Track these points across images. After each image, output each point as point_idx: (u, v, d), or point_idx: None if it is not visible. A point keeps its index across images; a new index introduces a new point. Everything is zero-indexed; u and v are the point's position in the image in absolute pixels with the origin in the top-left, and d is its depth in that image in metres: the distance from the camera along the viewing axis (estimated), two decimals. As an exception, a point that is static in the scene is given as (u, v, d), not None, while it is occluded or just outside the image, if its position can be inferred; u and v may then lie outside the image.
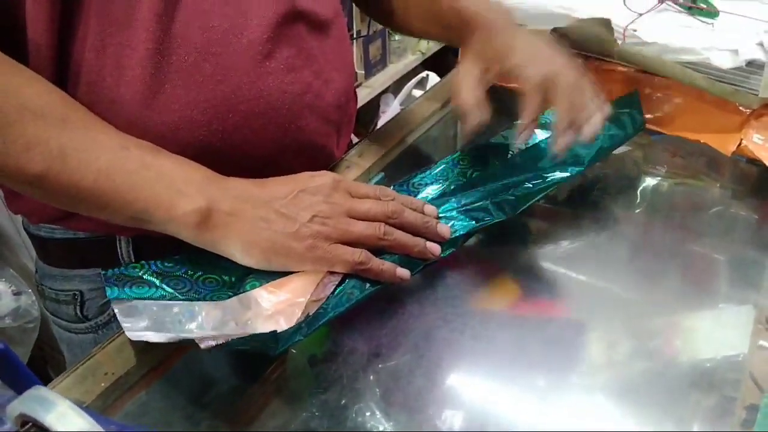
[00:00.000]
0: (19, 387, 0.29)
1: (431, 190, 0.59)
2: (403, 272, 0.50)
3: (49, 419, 0.26)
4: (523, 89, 0.54)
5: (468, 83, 0.54)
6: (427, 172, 0.60)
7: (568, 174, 0.59)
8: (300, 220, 0.47)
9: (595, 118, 0.54)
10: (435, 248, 0.52)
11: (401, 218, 0.50)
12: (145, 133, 0.48)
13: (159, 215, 0.45)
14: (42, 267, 0.60)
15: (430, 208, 0.54)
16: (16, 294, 1.06)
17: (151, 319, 0.44)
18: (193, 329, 0.44)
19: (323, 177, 0.50)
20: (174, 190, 0.45)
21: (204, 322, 0.45)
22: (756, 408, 0.41)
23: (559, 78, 0.53)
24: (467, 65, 0.56)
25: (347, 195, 0.50)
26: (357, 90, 0.72)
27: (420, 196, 0.59)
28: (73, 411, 0.26)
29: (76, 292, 0.58)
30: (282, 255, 0.46)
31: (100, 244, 0.56)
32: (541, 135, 0.63)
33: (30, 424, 0.27)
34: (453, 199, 0.56)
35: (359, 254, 0.47)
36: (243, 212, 0.46)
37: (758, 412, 0.41)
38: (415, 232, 0.51)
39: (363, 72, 1.67)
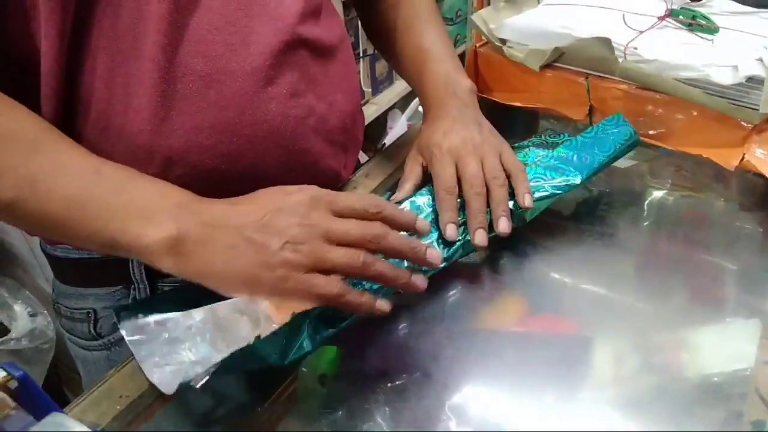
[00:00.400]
0: (38, 412, 0.30)
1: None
2: (383, 304, 0.46)
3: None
4: (440, 189, 0.57)
5: (413, 159, 0.63)
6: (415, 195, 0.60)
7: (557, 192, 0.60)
8: (271, 248, 0.43)
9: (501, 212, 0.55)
10: (420, 282, 0.48)
11: (384, 243, 0.46)
12: (153, 157, 0.50)
13: (128, 244, 0.43)
14: (58, 286, 0.62)
15: (422, 224, 0.50)
16: (32, 315, 1.08)
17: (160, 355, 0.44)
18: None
19: (301, 193, 0.46)
20: (144, 217, 0.43)
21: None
22: (762, 423, 0.42)
23: (465, 172, 0.56)
24: (413, 150, 0.64)
25: (327, 213, 0.45)
26: (364, 107, 0.74)
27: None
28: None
29: (90, 311, 0.60)
30: (254, 286, 0.43)
31: (113, 264, 0.57)
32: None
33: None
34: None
35: (335, 285, 0.43)
36: (213, 240, 0.43)
37: (764, 427, 0.41)
38: (400, 257, 0.48)
39: (370, 89, 1.68)
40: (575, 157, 0.61)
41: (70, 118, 0.49)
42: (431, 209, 0.58)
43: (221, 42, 0.51)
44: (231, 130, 0.52)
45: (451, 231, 0.54)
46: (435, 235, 0.55)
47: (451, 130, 0.59)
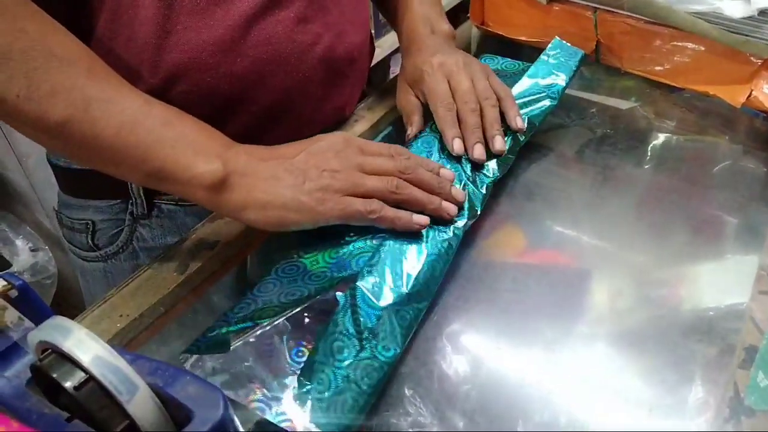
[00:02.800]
0: (38, 320, 0.30)
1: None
2: (421, 218, 0.47)
3: (67, 345, 0.27)
4: (439, 107, 0.57)
5: (404, 97, 0.63)
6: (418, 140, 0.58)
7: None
8: (309, 175, 0.46)
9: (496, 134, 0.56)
10: (451, 208, 0.49)
11: (415, 174, 0.49)
12: (157, 71, 0.50)
13: (176, 174, 0.44)
14: (61, 196, 0.63)
15: (446, 172, 0.52)
16: (34, 250, 1.08)
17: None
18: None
19: (334, 136, 0.50)
20: (192, 150, 0.44)
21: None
22: (755, 349, 0.42)
23: (460, 89, 0.57)
24: (402, 87, 0.64)
25: (359, 152, 0.49)
26: (373, 54, 0.73)
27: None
28: (89, 337, 0.27)
29: (89, 222, 0.60)
30: (293, 210, 0.45)
31: (111, 177, 0.57)
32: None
33: (49, 351, 0.28)
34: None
35: (371, 203, 0.46)
36: (256, 173, 0.46)
37: (757, 353, 0.42)
38: (428, 191, 0.49)
39: (374, 32, 1.65)
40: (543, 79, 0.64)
41: (77, 28, 0.49)
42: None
43: None
44: (236, 49, 0.52)
45: (458, 145, 0.55)
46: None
47: (437, 54, 0.60)
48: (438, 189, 0.49)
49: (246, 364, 0.38)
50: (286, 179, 0.45)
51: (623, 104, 0.71)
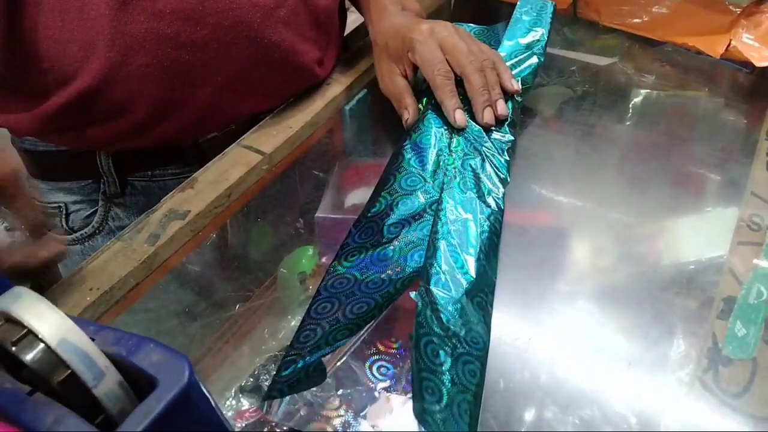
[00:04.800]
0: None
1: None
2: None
3: (23, 314, 0.26)
4: (435, 76, 0.54)
5: (389, 79, 0.59)
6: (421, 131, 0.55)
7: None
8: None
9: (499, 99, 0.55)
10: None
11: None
12: (114, 44, 0.48)
13: None
14: (31, 180, 0.62)
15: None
16: (10, 230, 1.06)
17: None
18: None
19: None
20: None
21: None
22: (733, 300, 0.42)
23: (459, 54, 0.54)
24: (384, 68, 0.60)
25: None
26: (346, 17, 0.70)
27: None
28: (50, 307, 0.26)
29: (61, 205, 0.59)
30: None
31: (80, 157, 0.56)
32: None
33: (5, 321, 0.27)
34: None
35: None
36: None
37: (735, 303, 0.42)
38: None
39: (350, -3, 1.62)
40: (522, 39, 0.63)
41: (22, 3, 0.46)
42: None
43: None
44: (194, 18, 0.50)
45: (460, 117, 0.53)
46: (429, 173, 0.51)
47: (421, 22, 0.57)
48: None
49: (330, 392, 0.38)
50: None
51: (603, 61, 0.70)
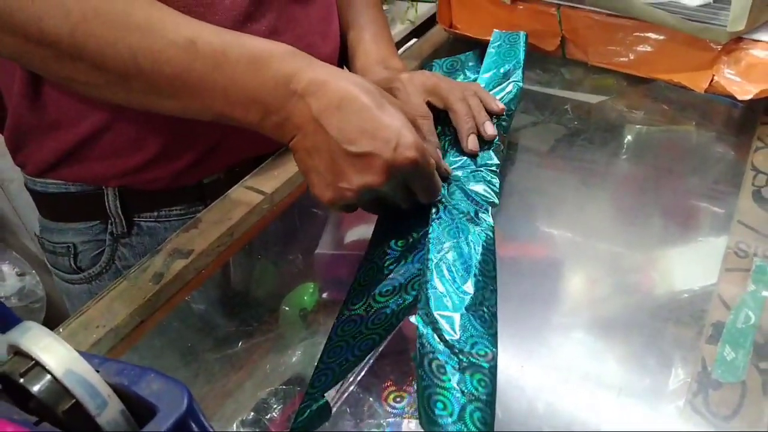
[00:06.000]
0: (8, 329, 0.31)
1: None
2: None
3: (30, 346, 0.27)
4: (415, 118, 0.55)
5: None
6: None
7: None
8: (345, 180, 0.43)
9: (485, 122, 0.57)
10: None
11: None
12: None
13: (236, 121, 0.43)
14: (42, 221, 0.64)
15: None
16: (21, 275, 1.09)
17: None
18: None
19: (399, 128, 0.43)
20: (245, 100, 0.42)
21: None
22: (722, 325, 0.43)
23: (441, 89, 0.57)
24: None
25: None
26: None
27: None
28: (57, 340, 0.28)
29: (70, 245, 0.61)
30: (314, 185, 0.44)
31: (88, 197, 0.58)
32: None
33: (19, 354, 0.28)
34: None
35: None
36: (305, 133, 0.43)
37: (724, 328, 0.43)
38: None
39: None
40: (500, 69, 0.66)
41: None
42: None
43: None
44: None
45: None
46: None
47: (399, 74, 0.60)
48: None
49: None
50: (322, 172, 0.42)
51: (596, 99, 0.72)
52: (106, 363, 0.30)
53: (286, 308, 0.52)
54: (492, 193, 0.53)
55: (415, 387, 0.39)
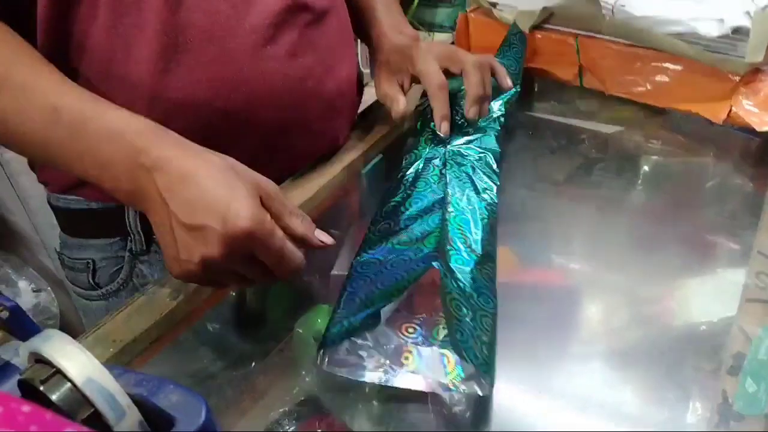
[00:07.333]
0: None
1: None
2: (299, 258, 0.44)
3: (53, 354, 0.27)
4: (432, 85, 0.62)
5: (387, 85, 0.66)
6: (411, 198, 0.59)
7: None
8: (191, 257, 0.42)
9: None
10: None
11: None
12: (153, 109, 0.51)
13: (94, 184, 0.44)
14: (62, 237, 0.64)
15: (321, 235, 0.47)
16: (36, 291, 1.10)
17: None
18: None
19: (242, 221, 0.40)
20: (99, 166, 0.43)
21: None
22: (743, 356, 0.42)
23: (458, 56, 0.62)
24: (383, 78, 0.67)
25: (247, 253, 0.42)
26: (363, 89, 0.75)
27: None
28: (78, 348, 0.28)
29: (89, 261, 0.61)
30: (167, 260, 0.43)
31: (109, 214, 0.59)
32: None
33: (40, 362, 0.28)
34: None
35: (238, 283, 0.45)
36: (156, 212, 0.42)
37: (745, 360, 0.42)
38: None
39: (369, 71, 1.69)
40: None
41: (68, 65, 0.50)
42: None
43: None
44: (229, 86, 0.53)
45: (445, 127, 0.62)
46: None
47: (417, 41, 0.65)
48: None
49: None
50: (171, 244, 0.42)
51: (613, 129, 0.72)
52: (126, 374, 0.30)
53: (300, 330, 0.52)
54: (495, 175, 0.60)
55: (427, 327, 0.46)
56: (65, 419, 0.19)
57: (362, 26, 0.72)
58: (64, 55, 0.50)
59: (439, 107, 0.61)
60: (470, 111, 0.62)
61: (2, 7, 0.48)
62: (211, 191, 0.41)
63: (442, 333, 0.45)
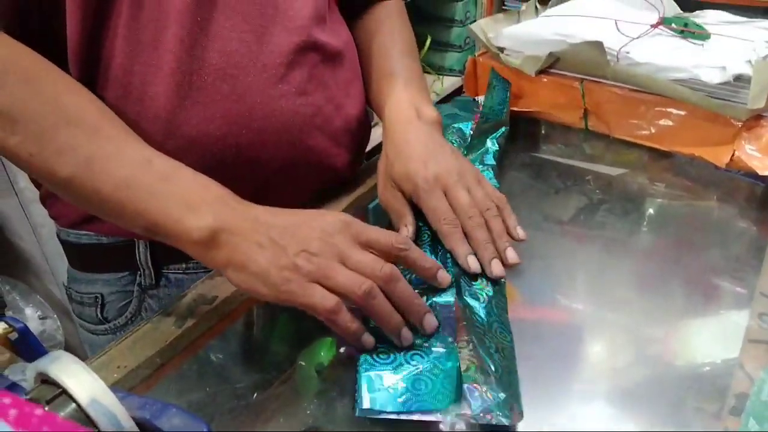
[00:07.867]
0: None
1: None
2: (368, 340, 0.46)
3: (59, 374, 0.28)
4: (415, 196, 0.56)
5: (390, 194, 0.59)
6: None
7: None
8: (288, 250, 0.44)
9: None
10: (407, 337, 0.46)
11: (391, 287, 0.45)
12: (167, 143, 0.53)
13: (167, 228, 0.45)
14: (71, 271, 0.65)
15: (443, 277, 0.50)
16: (42, 318, 1.10)
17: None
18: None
19: (334, 216, 0.47)
20: (185, 206, 0.45)
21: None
22: (746, 396, 0.42)
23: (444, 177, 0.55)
24: (387, 185, 0.60)
25: (351, 240, 0.46)
26: (373, 129, 0.74)
27: None
28: (85, 369, 0.28)
29: (98, 295, 0.62)
30: (261, 282, 0.44)
31: (120, 249, 0.60)
32: None
33: (46, 382, 0.29)
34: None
35: (330, 301, 0.43)
36: (244, 233, 0.45)
37: (747, 400, 0.42)
38: (401, 308, 0.46)
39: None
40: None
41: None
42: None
43: (237, 39, 0.54)
44: (242, 122, 0.55)
45: (473, 263, 0.53)
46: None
47: (429, 158, 0.57)
48: (409, 308, 0.46)
49: None
50: (267, 249, 0.44)
51: (618, 171, 0.73)
52: (129, 397, 0.31)
53: (302, 363, 0.52)
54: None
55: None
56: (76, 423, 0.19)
57: (378, 93, 0.66)
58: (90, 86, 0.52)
59: (457, 246, 0.54)
60: (492, 271, 0.54)
61: (39, 36, 0.50)
62: (304, 213, 0.48)
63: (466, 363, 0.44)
